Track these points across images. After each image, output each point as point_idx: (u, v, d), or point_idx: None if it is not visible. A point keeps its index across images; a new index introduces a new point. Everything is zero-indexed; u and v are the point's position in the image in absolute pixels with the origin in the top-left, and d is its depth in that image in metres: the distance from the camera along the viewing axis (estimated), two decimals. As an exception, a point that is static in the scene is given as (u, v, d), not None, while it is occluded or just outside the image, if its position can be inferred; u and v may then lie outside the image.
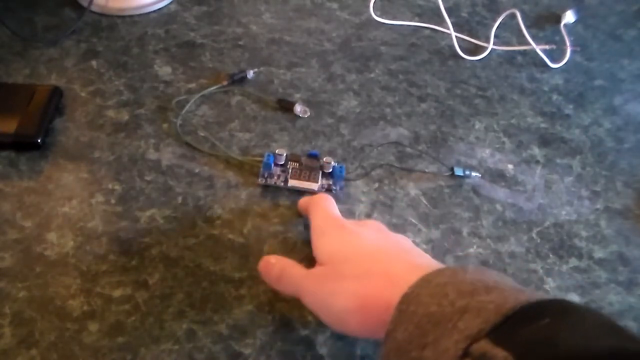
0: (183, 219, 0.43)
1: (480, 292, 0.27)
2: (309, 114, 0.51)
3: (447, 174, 0.48)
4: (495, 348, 0.23)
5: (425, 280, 0.29)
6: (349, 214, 0.45)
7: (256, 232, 0.43)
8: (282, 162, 0.46)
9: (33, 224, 0.42)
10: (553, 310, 0.25)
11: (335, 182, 0.46)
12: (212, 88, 0.52)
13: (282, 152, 0.46)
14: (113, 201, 0.44)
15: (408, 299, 0.28)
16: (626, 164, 0.51)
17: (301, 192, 0.45)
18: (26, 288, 0.39)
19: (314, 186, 0.45)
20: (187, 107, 0.51)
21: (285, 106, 0.51)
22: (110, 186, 0.45)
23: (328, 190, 0.45)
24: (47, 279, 0.39)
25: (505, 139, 0.52)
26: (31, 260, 0.40)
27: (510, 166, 0.49)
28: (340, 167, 0.47)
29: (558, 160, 0.50)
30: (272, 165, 0.46)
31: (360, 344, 0.38)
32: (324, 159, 0.46)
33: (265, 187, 0.46)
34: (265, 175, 0.46)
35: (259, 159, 0.47)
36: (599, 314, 0.26)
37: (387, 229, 0.39)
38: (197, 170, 0.46)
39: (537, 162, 0.50)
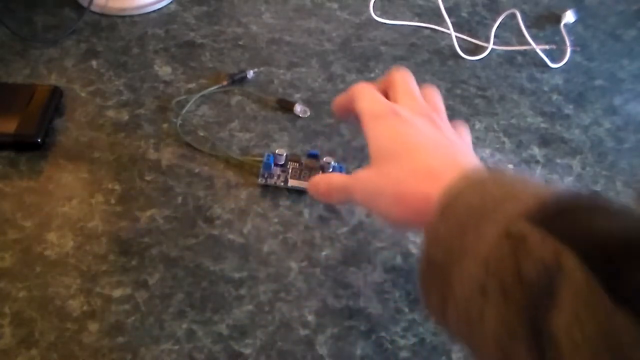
0: (183, 219, 0.43)
1: (518, 185, 0.28)
2: (309, 114, 0.51)
3: (447, 174, 0.48)
4: (535, 229, 0.24)
5: (465, 176, 0.30)
6: (349, 213, 0.45)
7: (256, 232, 0.43)
8: (282, 162, 0.46)
9: (33, 224, 0.42)
10: (591, 199, 0.27)
11: (335, 182, 0.46)
12: (212, 88, 0.52)
13: (282, 152, 0.46)
14: (113, 201, 0.44)
15: (449, 194, 0.29)
16: (626, 164, 0.51)
17: (301, 192, 0.45)
18: (26, 288, 0.39)
19: (314, 186, 0.45)
20: (187, 107, 0.51)
21: (285, 106, 0.51)
22: (110, 186, 0.45)
23: (328, 190, 0.45)
24: (47, 279, 0.39)
25: (505, 139, 0.52)
26: (31, 260, 0.40)
27: (510, 166, 0.49)
28: (340, 167, 0.47)
29: (558, 160, 0.50)
30: (272, 165, 0.46)
31: (360, 344, 0.38)
32: (324, 159, 0.46)
33: (265, 187, 0.46)
34: (265, 175, 0.46)
35: (259, 159, 0.47)
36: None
37: (445, 117, 0.38)
38: (197, 170, 0.46)
39: (537, 162, 0.50)
